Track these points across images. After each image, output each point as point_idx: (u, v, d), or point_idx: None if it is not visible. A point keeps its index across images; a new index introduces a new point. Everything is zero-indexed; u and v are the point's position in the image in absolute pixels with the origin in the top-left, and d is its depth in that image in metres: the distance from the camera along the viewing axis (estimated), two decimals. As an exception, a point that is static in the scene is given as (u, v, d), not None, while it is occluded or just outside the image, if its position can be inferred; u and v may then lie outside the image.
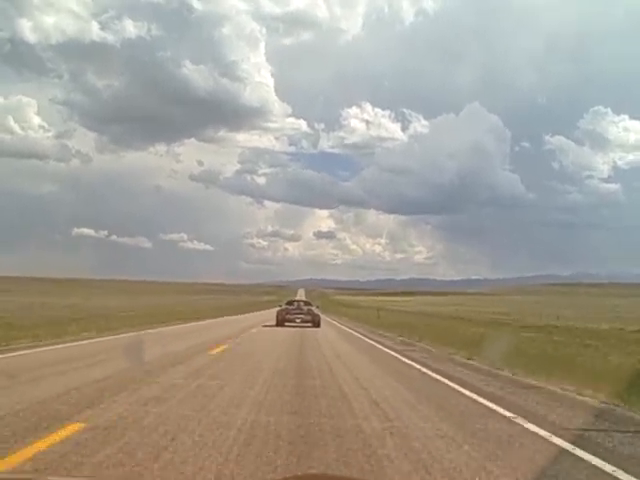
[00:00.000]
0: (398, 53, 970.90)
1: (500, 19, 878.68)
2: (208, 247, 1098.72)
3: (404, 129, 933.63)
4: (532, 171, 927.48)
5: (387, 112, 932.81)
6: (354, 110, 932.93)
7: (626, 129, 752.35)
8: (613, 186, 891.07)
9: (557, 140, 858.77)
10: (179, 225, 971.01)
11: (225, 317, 48.99)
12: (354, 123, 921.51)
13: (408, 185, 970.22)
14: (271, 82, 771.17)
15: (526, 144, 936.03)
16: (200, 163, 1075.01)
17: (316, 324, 34.00)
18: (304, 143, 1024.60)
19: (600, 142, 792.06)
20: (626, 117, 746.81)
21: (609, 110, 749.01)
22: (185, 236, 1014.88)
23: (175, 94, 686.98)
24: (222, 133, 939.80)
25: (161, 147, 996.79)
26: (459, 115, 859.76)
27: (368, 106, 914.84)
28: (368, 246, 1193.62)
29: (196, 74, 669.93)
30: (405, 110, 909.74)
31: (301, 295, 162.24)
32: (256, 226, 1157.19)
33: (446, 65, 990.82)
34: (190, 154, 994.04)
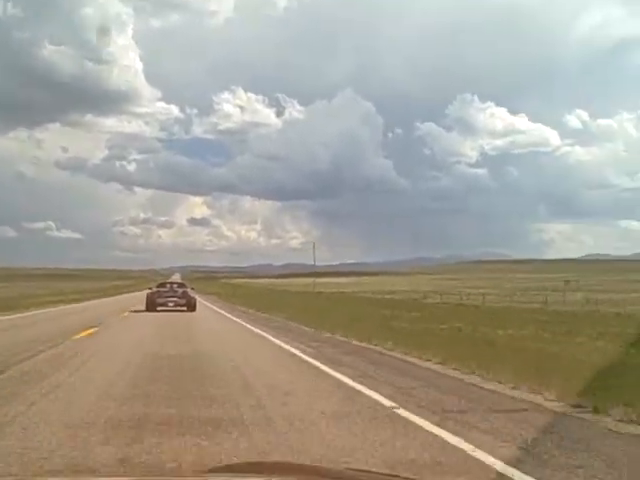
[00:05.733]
0: (271, 37, 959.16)
1: (372, 9, 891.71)
2: (77, 235, 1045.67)
3: (279, 114, 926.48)
4: (404, 157, 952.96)
5: (261, 97, 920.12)
6: (227, 95, 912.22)
7: (492, 116, 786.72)
8: (480, 171, 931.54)
9: (427, 127, 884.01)
10: (45, 213, 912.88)
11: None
12: (227, 108, 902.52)
13: (283, 171, 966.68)
14: (140, 66, 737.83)
15: (399, 130, 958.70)
16: (65, 149, 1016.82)
17: (191, 307, 30.93)
18: (176, 129, 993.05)
19: (468, 128, 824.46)
20: (492, 104, 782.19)
21: (475, 97, 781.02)
22: (53, 224, 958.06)
23: (36, 77, 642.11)
24: (89, 118, 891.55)
25: (22, 132, 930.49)
26: (332, 102, 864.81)
27: (241, 91, 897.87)
28: (243, 232, 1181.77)
29: (57, 56, 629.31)
30: (279, 95, 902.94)
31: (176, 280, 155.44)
32: (127, 213, 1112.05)
33: (320, 51, 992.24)
34: (54, 140, 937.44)
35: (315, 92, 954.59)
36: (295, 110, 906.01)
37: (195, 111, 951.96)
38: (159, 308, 30.20)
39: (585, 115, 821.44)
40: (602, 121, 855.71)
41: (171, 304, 30.75)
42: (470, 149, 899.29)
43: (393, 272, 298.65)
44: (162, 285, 34.04)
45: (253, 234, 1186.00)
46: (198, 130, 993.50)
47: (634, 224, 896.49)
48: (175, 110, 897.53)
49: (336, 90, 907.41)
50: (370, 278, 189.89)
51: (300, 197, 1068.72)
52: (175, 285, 34.06)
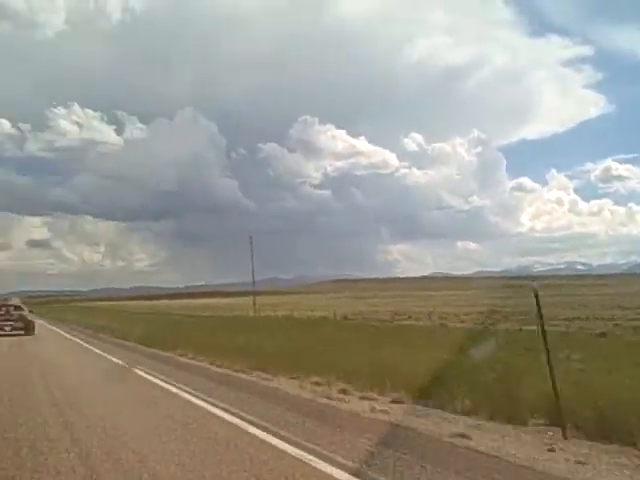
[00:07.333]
0: (105, 52, 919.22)
1: (210, 29, 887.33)
2: None
3: (119, 132, 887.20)
4: (249, 177, 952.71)
5: (99, 114, 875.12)
6: (62, 111, 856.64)
7: (334, 138, 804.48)
8: (325, 192, 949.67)
9: (271, 147, 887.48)
10: None
11: None
12: (64, 124, 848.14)
13: (126, 191, 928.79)
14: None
15: (242, 151, 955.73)
16: None
17: (29, 331, 29.93)
18: (9, 145, 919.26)
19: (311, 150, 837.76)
20: (332, 127, 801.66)
21: (316, 120, 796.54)
22: None
23: None
24: None
25: None
26: (174, 120, 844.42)
27: (77, 107, 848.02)
28: (86, 255, 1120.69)
29: None
30: (119, 112, 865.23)
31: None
32: None
33: (157, 68, 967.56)
34: None
35: (155, 110, 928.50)
36: (136, 128, 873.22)
37: (29, 127, 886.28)
38: None
39: (420, 138, 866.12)
40: (436, 145, 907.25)
41: (8, 328, 29.31)
42: (314, 170, 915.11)
43: (257, 292, 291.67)
44: None
45: (97, 256, 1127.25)
46: (33, 147, 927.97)
47: (471, 245, 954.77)
48: (7, 125, 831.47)
49: (176, 108, 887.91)
50: (244, 299, 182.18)
51: (144, 218, 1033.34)
52: (11, 308, 31.77)
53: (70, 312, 79.80)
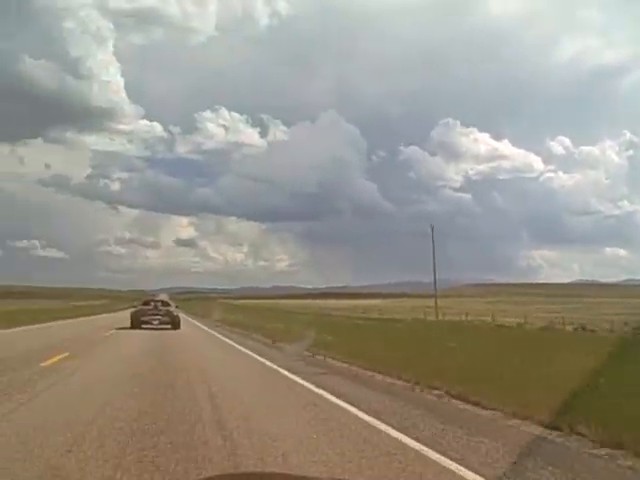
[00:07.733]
0: (253, 56, 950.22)
1: (354, 27, 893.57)
2: (62, 254, 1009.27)
3: (263, 135, 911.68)
4: (389, 180, 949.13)
5: (244, 117, 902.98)
6: (209, 114, 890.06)
7: (476, 141, 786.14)
8: (465, 195, 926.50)
9: (412, 150, 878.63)
10: (29, 232, 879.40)
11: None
12: (211, 127, 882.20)
13: (268, 192, 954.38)
14: (121, 82, 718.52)
15: (383, 154, 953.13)
16: (48, 166, 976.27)
17: (176, 325, 31.58)
18: (160, 147, 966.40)
19: (452, 153, 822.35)
20: (475, 130, 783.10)
21: (458, 122, 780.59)
22: (37, 243, 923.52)
23: (14, 90, 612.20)
24: (70, 134, 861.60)
25: (3, 147, 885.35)
26: (316, 123, 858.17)
27: (224, 111, 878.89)
28: (230, 254, 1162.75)
29: (38, 70, 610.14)
30: (263, 115, 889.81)
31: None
32: (113, 233, 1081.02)
33: (301, 70, 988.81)
34: (36, 156, 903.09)
35: (298, 113, 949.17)
36: (279, 130, 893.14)
37: (178, 130, 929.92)
38: (144, 326, 30.59)
39: (567, 141, 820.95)
40: (584, 148, 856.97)
41: (155, 322, 31.17)
42: (455, 173, 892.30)
43: (396, 295, 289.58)
44: (146, 303, 34.06)
45: (240, 256, 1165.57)
46: (182, 149, 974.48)
47: (620, 251, 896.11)
48: (158, 128, 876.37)
49: (319, 111, 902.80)
50: (396, 300, 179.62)
51: (286, 219, 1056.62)
52: (159, 303, 33.85)
53: (222, 310, 79.19)
